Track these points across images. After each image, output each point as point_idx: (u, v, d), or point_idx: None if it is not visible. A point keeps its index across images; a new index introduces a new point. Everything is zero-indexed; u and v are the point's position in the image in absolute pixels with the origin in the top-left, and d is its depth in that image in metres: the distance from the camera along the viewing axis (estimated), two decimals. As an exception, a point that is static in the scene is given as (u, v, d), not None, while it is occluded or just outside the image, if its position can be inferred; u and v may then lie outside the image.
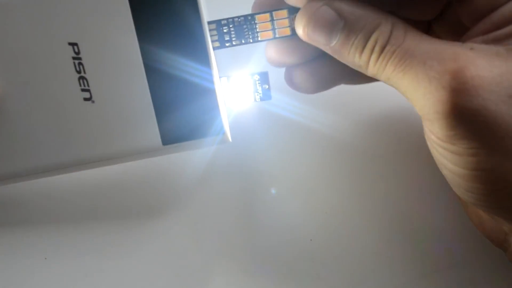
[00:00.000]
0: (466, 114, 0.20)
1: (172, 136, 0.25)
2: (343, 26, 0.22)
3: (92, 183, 0.30)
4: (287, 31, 0.25)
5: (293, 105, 0.29)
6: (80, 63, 0.24)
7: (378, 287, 0.29)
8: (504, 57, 0.21)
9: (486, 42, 0.22)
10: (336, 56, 0.24)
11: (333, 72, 0.26)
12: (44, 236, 0.30)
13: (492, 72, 0.20)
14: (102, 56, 0.24)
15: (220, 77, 0.25)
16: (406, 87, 0.22)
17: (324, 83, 0.27)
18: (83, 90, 0.25)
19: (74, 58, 0.24)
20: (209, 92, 0.25)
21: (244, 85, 0.26)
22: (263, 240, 0.29)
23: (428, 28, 0.26)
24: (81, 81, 0.25)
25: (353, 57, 0.23)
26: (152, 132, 0.25)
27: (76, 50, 0.24)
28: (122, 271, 0.29)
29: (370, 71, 0.23)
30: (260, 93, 0.27)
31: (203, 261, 0.29)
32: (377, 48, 0.22)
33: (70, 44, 0.24)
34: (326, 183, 0.30)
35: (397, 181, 0.30)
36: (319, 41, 0.23)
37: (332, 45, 0.23)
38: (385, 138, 0.30)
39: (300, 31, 0.24)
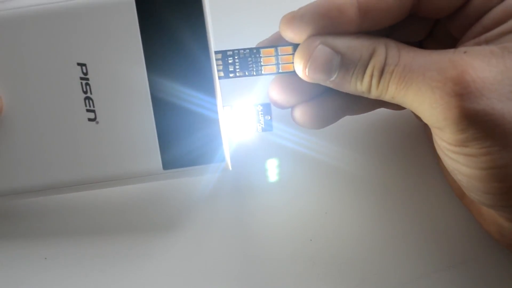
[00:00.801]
0: (474, 116, 0.21)
1: (173, 162, 0.26)
2: (341, 61, 0.23)
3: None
4: (291, 67, 0.25)
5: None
6: (87, 84, 0.25)
7: (378, 287, 0.29)
8: (499, 55, 0.21)
9: (479, 44, 0.23)
10: (338, 88, 0.24)
11: (336, 106, 0.27)
12: (45, 244, 0.30)
13: (492, 72, 0.21)
14: (109, 78, 0.25)
15: (223, 106, 0.26)
16: (412, 101, 0.22)
17: (329, 118, 0.27)
18: (88, 110, 0.25)
19: (81, 78, 0.25)
20: (212, 121, 0.25)
21: (246, 115, 0.27)
22: (263, 240, 0.30)
23: (419, 47, 0.27)
24: (87, 101, 0.25)
25: (355, 86, 0.24)
26: (153, 156, 0.25)
27: (85, 70, 0.25)
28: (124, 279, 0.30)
29: (374, 94, 0.24)
30: (262, 124, 0.27)
31: (207, 266, 0.30)
32: (376, 73, 0.23)
33: (79, 64, 0.25)
34: (323, 184, 0.30)
35: (397, 181, 0.30)
36: (320, 78, 0.24)
37: (332, 80, 0.24)
38: (385, 138, 0.31)
39: (300, 72, 0.24)
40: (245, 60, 0.25)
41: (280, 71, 0.25)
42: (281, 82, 0.26)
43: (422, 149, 0.30)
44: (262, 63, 0.25)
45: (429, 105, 0.22)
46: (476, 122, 0.21)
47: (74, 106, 0.25)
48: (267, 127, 0.27)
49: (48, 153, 0.25)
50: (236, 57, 0.25)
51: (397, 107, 0.27)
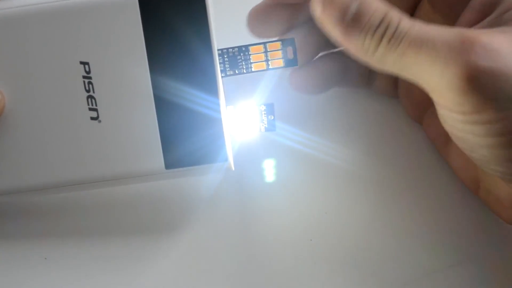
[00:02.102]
0: (490, 74, 0.21)
1: (176, 161, 0.25)
2: (358, 7, 0.23)
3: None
4: (280, 63, 0.25)
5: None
6: (89, 82, 0.25)
7: (379, 287, 0.29)
8: (508, 32, 0.22)
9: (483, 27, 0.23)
10: (343, 40, 0.24)
11: (329, 73, 0.28)
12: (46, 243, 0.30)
13: (506, 37, 0.21)
14: (112, 77, 0.25)
15: (226, 106, 0.26)
16: (421, 65, 0.22)
17: (321, 84, 0.28)
18: (90, 109, 0.25)
19: (84, 77, 0.25)
20: (215, 121, 0.25)
21: (250, 115, 0.27)
22: (263, 240, 0.29)
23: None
24: (89, 100, 0.25)
25: (363, 40, 0.23)
26: (155, 156, 0.25)
27: (87, 69, 0.25)
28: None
29: (378, 54, 0.23)
30: (265, 124, 0.27)
31: (206, 266, 0.29)
32: (390, 30, 0.22)
33: (81, 63, 0.25)
34: (325, 184, 0.30)
35: (397, 181, 0.30)
36: (333, 17, 0.23)
37: (344, 24, 0.23)
38: (385, 139, 0.31)
39: (318, 10, 0.24)
40: (234, 59, 0.26)
41: (270, 67, 0.26)
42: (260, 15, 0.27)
43: (422, 150, 0.31)
44: (251, 61, 0.26)
45: (442, 68, 0.21)
46: (492, 81, 0.21)
47: (76, 105, 0.25)
48: (270, 127, 0.27)
49: (49, 151, 0.25)
50: (225, 56, 0.26)
51: (390, 87, 0.28)
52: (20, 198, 0.26)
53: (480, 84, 0.21)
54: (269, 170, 0.30)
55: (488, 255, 0.29)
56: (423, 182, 0.30)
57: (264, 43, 0.25)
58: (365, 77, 0.30)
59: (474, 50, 0.21)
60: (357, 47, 0.23)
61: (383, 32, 0.22)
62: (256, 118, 0.27)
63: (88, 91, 0.25)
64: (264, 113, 0.27)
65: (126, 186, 0.27)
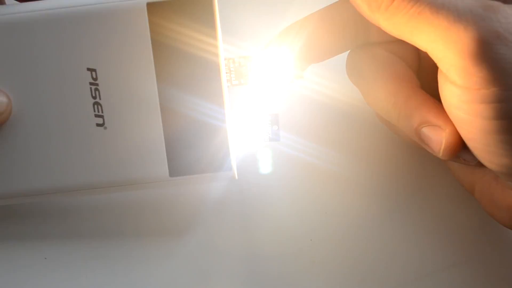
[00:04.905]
0: (501, 36, 0.20)
1: (180, 169, 0.26)
2: None
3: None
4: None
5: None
6: (96, 89, 0.25)
7: (378, 287, 0.29)
8: None
9: None
10: None
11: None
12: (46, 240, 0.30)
13: None
14: (119, 84, 0.25)
15: (231, 115, 0.26)
16: (437, 27, 0.21)
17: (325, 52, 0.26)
18: (96, 115, 0.25)
19: (91, 83, 0.25)
20: (220, 130, 0.25)
21: (254, 125, 0.27)
22: (263, 240, 0.30)
23: None
24: (95, 106, 0.25)
25: None
26: (160, 163, 0.25)
27: (94, 76, 0.25)
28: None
29: (393, 9, 0.21)
30: (269, 134, 0.27)
31: (206, 268, 0.30)
32: None
33: (88, 69, 0.25)
34: (325, 185, 0.30)
35: (397, 181, 0.30)
36: None
37: None
38: (386, 140, 0.31)
39: None
40: (240, 69, 0.26)
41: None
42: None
43: (422, 151, 0.30)
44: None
45: (459, 30, 0.20)
46: (509, 52, 0.20)
47: (82, 111, 0.25)
48: (275, 137, 0.27)
49: (55, 156, 0.25)
50: (231, 66, 0.26)
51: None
52: (26, 201, 0.26)
53: (496, 53, 0.20)
54: (272, 178, 0.30)
55: (488, 255, 0.29)
56: (423, 183, 0.30)
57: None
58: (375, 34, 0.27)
59: (497, 18, 0.20)
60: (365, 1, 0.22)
61: None
62: (261, 128, 0.27)
63: (94, 97, 0.25)
64: (269, 123, 0.27)
65: (131, 192, 0.27)
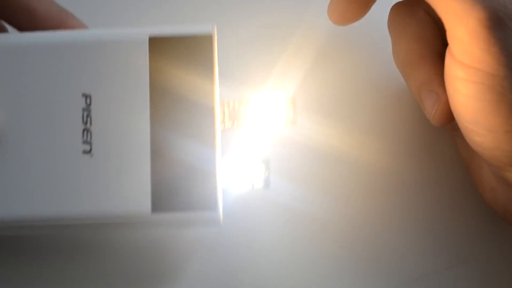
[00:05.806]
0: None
1: (163, 204, 0.25)
2: None
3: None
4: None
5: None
6: (88, 115, 0.25)
7: (379, 287, 0.29)
8: None
9: None
10: None
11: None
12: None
13: None
14: (111, 114, 0.25)
15: (222, 160, 0.25)
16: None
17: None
18: (84, 142, 0.25)
19: (84, 109, 0.25)
20: (209, 173, 0.24)
21: (244, 170, 0.26)
22: (263, 240, 0.29)
23: None
24: (84, 133, 0.25)
25: None
26: (143, 197, 0.24)
27: (88, 101, 0.25)
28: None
29: None
30: (259, 180, 0.26)
31: None
32: None
33: (83, 95, 0.25)
34: (326, 185, 0.30)
35: (397, 181, 0.30)
36: None
37: None
38: (386, 143, 0.31)
39: None
40: (234, 112, 0.27)
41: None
42: None
43: (421, 151, 0.31)
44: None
45: (459, 10, 0.21)
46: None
47: (71, 136, 0.25)
48: (264, 184, 0.26)
49: (35, 182, 0.24)
50: (225, 108, 0.27)
51: None
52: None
53: (497, 36, 0.21)
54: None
55: (488, 255, 0.29)
56: (422, 183, 0.30)
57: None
58: None
59: (505, 3, 0.21)
60: None
61: None
62: (251, 173, 0.26)
63: (85, 123, 0.25)
64: (259, 169, 0.26)
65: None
